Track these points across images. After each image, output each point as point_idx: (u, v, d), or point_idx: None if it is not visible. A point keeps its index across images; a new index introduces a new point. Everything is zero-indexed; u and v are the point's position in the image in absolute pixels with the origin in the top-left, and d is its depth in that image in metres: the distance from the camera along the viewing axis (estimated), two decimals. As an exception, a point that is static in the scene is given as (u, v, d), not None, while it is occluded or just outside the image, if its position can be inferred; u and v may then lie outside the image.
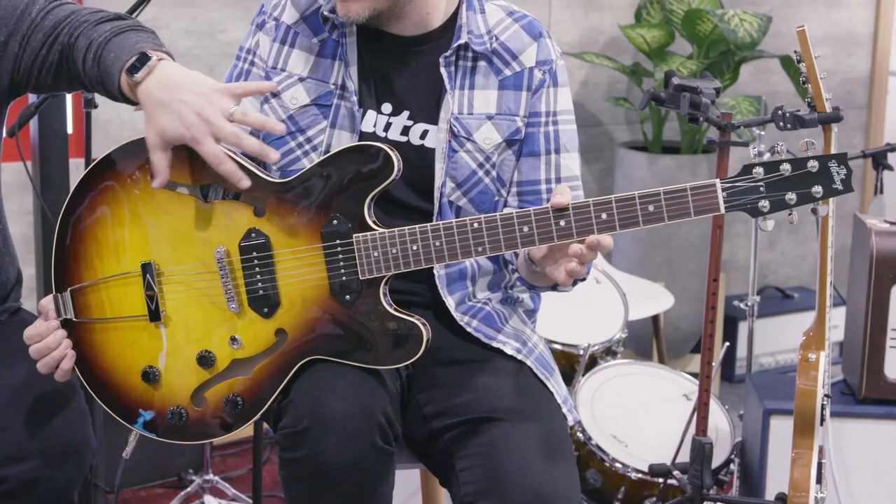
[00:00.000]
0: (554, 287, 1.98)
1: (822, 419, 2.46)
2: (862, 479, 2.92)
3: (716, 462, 2.88)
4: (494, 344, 2.00)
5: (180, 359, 1.88)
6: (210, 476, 3.19)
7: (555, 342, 3.12)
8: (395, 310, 1.81)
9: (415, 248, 1.80)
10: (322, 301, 1.82)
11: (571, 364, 3.14)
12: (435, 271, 1.98)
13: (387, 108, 2.00)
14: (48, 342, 1.88)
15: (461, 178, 1.99)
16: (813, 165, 1.69)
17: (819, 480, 2.45)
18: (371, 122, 1.99)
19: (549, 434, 1.90)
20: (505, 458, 1.84)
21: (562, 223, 1.75)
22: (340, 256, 1.81)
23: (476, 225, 1.78)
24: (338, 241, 1.81)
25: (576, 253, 1.74)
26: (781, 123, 2.39)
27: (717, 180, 1.72)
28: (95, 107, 2.77)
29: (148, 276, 1.87)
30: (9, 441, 1.88)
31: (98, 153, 1.93)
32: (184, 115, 1.75)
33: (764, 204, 1.71)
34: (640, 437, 3.04)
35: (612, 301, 3.35)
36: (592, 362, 3.21)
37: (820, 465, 2.46)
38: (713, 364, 2.66)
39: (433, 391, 1.96)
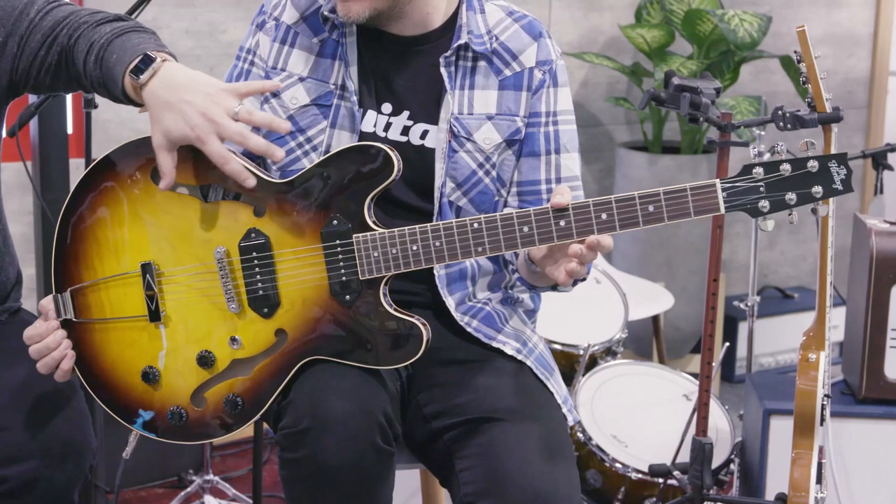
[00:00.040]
0: (554, 287, 1.98)
1: (822, 419, 2.46)
2: (862, 479, 2.92)
3: (716, 462, 2.88)
4: (494, 344, 2.00)
5: (180, 359, 1.88)
6: (210, 476, 3.19)
7: (555, 342, 3.11)
8: (395, 310, 1.81)
9: (415, 248, 1.80)
10: (322, 301, 1.82)
11: (571, 364, 3.14)
12: (435, 271, 1.98)
13: (387, 108, 2.00)
14: (48, 342, 1.88)
15: (461, 179, 1.99)
16: (813, 165, 1.69)
17: (819, 480, 2.45)
18: (371, 122, 2.00)
19: (550, 434, 1.90)
20: (505, 459, 1.84)
21: (562, 223, 1.75)
22: (340, 256, 1.81)
23: (476, 225, 1.78)
24: (338, 242, 1.81)
25: (576, 253, 1.74)
26: (781, 123, 2.39)
27: (717, 180, 1.72)
28: (95, 107, 2.77)
29: (148, 276, 1.87)
30: (9, 441, 1.88)
31: (98, 153, 1.93)
32: (189, 116, 1.75)
33: (764, 204, 1.71)
34: (641, 438, 3.04)
35: (612, 301, 3.35)
36: (592, 362, 3.21)
37: (820, 466, 2.46)
38: (713, 364, 2.67)
39: (433, 391, 1.96)
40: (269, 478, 3.35)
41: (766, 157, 2.01)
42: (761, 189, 1.71)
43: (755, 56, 4.16)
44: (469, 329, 2.00)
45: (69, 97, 3.07)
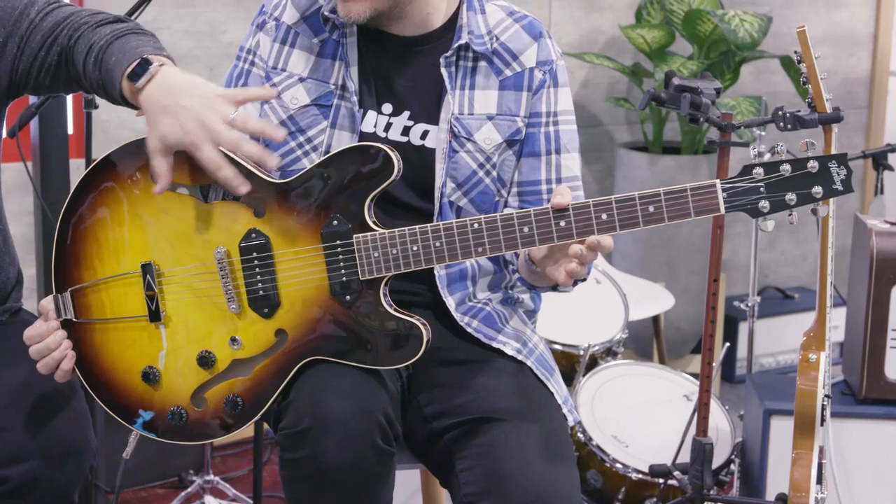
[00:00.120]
0: (554, 287, 1.98)
1: (823, 419, 2.46)
2: (862, 479, 2.92)
3: (716, 462, 2.88)
4: (495, 344, 2.00)
5: (180, 359, 1.88)
6: (210, 476, 3.20)
7: (555, 342, 3.11)
8: (396, 310, 1.81)
9: (415, 248, 1.80)
10: (322, 301, 1.82)
11: (572, 364, 3.14)
12: (435, 272, 1.98)
13: (387, 108, 2.00)
14: (48, 343, 1.88)
15: (461, 179, 1.99)
16: (813, 166, 1.69)
17: (819, 481, 2.45)
18: (371, 122, 2.00)
19: (550, 434, 1.90)
20: (505, 459, 1.84)
21: (562, 224, 1.75)
22: (341, 257, 1.81)
23: (476, 225, 1.78)
24: (338, 242, 1.81)
25: (576, 253, 1.74)
26: (782, 124, 2.39)
27: (718, 181, 1.72)
28: (96, 107, 2.77)
29: (148, 276, 1.87)
30: (9, 441, 1.88)
31: (98, 154, 1.93)
32: (184, 121, 1.75)
33: (764, 204, 1.71)
34: (641, 438, 3.04)
35: (613, 301, 3.35)
36: (593, 363, 3.21)
37: (820, 466, 2.46)
38: (713, 364, 2.66)
39: (433, 391, 1.96)
40: (269, 478, 3.35)
41: (767, 157, 2.02)
42: (761, 189, 1.71)
43: (755, 56, 4.16)
44: (469, 329, 2.00)
45: (69, 98, 3.07)
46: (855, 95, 4.97)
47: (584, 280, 1.92)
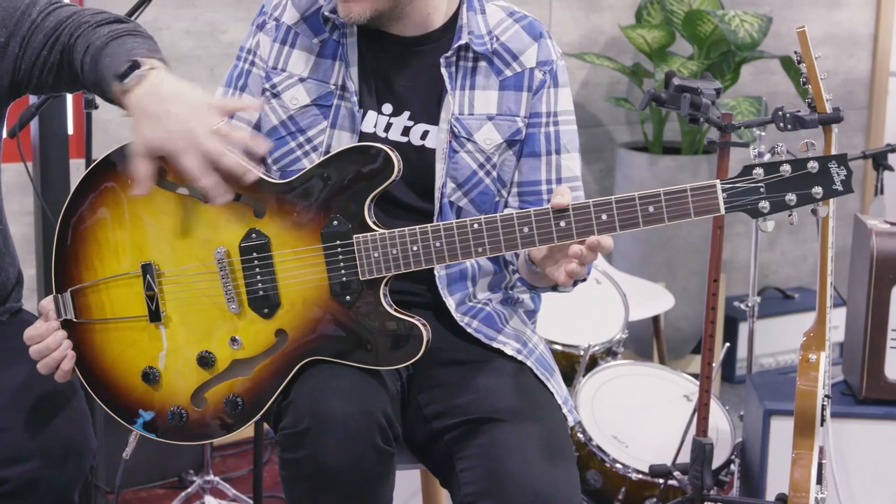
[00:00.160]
0: (554, 288, 1.98)
1: (823, 420, 2.46)
2: (862, 479, 2.92)
3: (716, 463, 2.88)
4: (495, 345, 2.00)
5: (180, 359, 1.88)
6: (210, 476, 3.20)
7: (555, 343, 3.12)
8: (396, 310, 1.81)
9: (415, 248, 1.80)
10: (322, 302, 1.83)
11: (572, 364, 3.14)
12: (435, 272, 1.98)
13: (387, 108, 2.00)
14: (48, 343, 1.88)
15: (462, 179, 1.99)
16: (813, 166, 1.69)
17: (819, 481, 2.45)
18: (371, 122, 2.00)
19: (550, 435, 1.90)
20: (505, 459, 1.84)
21: (562, 224, 1.75)
22: (341, 257, 1.81)
23: (476, 226, 1.78)
24: (338, 242, 1.82)
25: (576, 254, 1.74)
26: (782, 124, 2.39)
27: (718, 181, 1.72)
28: (96, 107, 2.77)
29: (148, 276, 1.87)
30: (9, 441, 1.88)
31: (98, 154, 1.93)
32: (169, 127, 1.73)
33: (764, 205, 1.71)
34: (641, 438, 3.04)
35: (613, 302, 3.35)
36: (593, 363, 3.21)
37: (820, 466, 2.46)
38: (713, 365, 2.66)
39: (433, 392, 1.96)
40: (269, 478, 3.35)
41: (767, 157, 2.01)
42: (761, 190, 1.71)
43: (755, 56, 4.16)
44: (469, 329, 2.00)
45: (69, 98, 3.07)
46: (855, 96, 4.97)
47: (584, 280, 1.92)
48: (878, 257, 2.85)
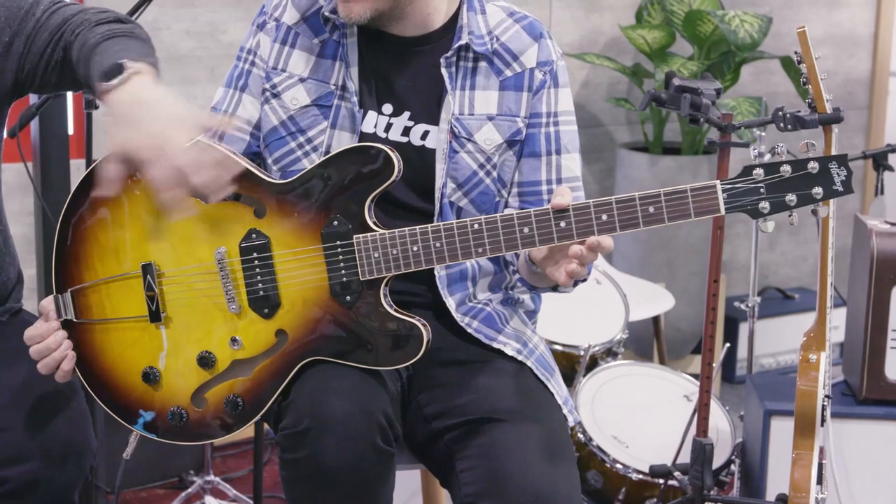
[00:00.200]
0: (555, 288, 1.98)
1: (823, 420, 2.46)
2: (862, 479, 2.92)
3: (716, 463, 2.87)
4: (495, 345, 2.00)
5: (181, 359, 1.88)
6: (211, 477, 3.20)
7: (555, 343, 3.11)
8: (396, 311, 1.81)
9: (415, 248, 1.80)
10: (322, 302, 1.83)
11: (572, 365, 3.14)
12: (436, 272, 1.98)
13: (387, 108, 2.00)
14: (49, 343, 1.88)
15: (462, 179, 1.99)
16: (813, 167, 1.69)
17: (820, 481, 2.45)
18: (372, 122, 2.00)
19: (550, 435, 1.90)
20: (506, 459, 1.84)
21: (562, 224, 1.75)
22: (341, 257, 1.81)
23: (476, 226, 1.78)
24: (338, 242, 1.82)
25: (576, 254, 1.74)
26: (782, 124, 2.39)
27: (718, 181, 1.72)
28: (96, 107, 2.76)
29: (148, 276, 1.87)
30: (9, 442, 1.88)
31: (99, 154, 1.93)
32: (142, 136, 1.69)
33: (764, 205, 1.71)
34: (641, 438, 3.04)
35: (613, 302, 3.35)
36: (593, 363, 3.21)
37: (820, 466, 2.46)
38: (714, 365, 2.66)
39: (434, 392, 1.96)
40: (269, 478, 3.35)
41: (767, 158, 2.01)
42: (762, 190, 1.71)
43: (756, 57, 4.16)
44: (469, 330, 2.00)
45: (70, 98, 3.07)
46: (855, 96, 4.97)
47: (585, 280, 1.92)
48: (879, 257, 2.85)
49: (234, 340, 1.86)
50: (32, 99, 2.63)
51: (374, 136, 1.99)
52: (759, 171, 1.71)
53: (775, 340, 4.36)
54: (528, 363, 2.01)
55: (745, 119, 3.67)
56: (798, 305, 4.48)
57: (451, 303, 1.99)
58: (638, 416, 3.11)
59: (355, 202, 1.81)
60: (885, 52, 4.98)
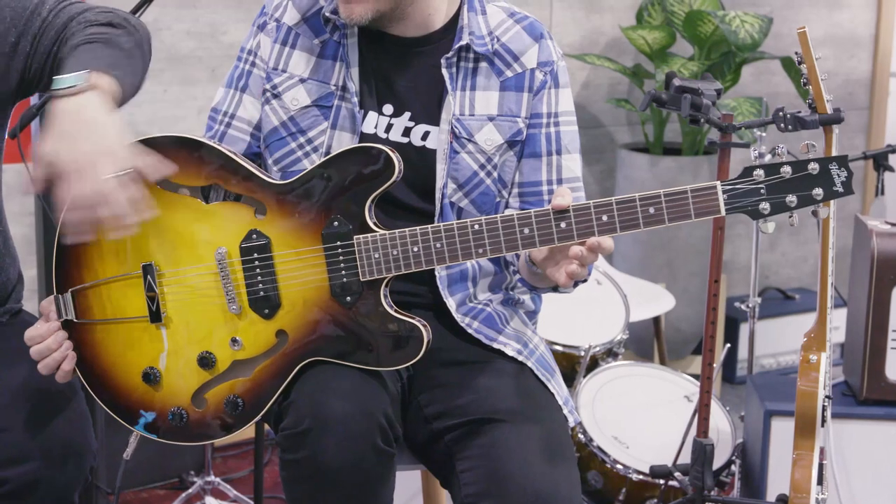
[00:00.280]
0: (555, 288, 1.98)
1: (823, 420, 2.46)
2: (863, 480, 2.92)
3: (717, 463, 2.88)
4: (495, 345, 2.00)
5: (181, 360, 1.88)
6: (211, 477, 3.20)
7: (556, 343, 3.12)
8: (396, 311, 1.81)
9: (416, 249, 1.80)
10: (323, 302, 1.83)
11: (572, 365, 3.14)
12: (436, 272, 1.98)
13: (388, 109, 2.00)
14: (49, 343, 1.88)
15: (462, 180, 1.99)
16: (813, 168, 1.69)
17: (820, 482, 2.45)
18: (372, 123, 2.00)
19: (550, 435, 1.90)
20: (506, 460, 1.84)
21: (562, 225, 1.75)
22: (341, 258, 1.81)
23: (477, 226, 1.78)
24: (339, 243, 1.82)
25: (576, 255, 1.74)
26: (782, 125, 2.39)
27: (718, 182, 1.72)
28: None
29: (149, 277, 1.87)
30: (9, 442, 1.88)
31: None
32: (72, 154, 1.66)
33: (764, 206, 1.71)
34: (642, 439, 3.04)
35: (613, 302, 3.35)
36: (593, 363, 3.21)
37: (821, 467, 2.46)
38: (714, 365, 2.66)
39: (434, 392, 1.96)
40: (270, 479, 3.35)
41: (767, 158, 2.01)
42: (762, 191, 1.71)
43: (756, 57, 4.16)
44: (470, 330, 2.00)
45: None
46: (856, 96, 4.97)
47: (585, 281, 1.92)
48: (879, 258, 2.85)
49: (234, 341, 1.86)
50: (33, 99, 2.63)
51: (374, 137, 1.99)
52: (759, 172, 1.71)
53: (776, 341, 4.36)
54: (529, 364, 2.01)
55: (746, 119, 3.67)
56: (798, 306, 4.48)
57: (451, 303, 1.99)
58: (638, 417, 3.11)
59: (356, 203, 1.81)
60: (885, 52, 4.98)
